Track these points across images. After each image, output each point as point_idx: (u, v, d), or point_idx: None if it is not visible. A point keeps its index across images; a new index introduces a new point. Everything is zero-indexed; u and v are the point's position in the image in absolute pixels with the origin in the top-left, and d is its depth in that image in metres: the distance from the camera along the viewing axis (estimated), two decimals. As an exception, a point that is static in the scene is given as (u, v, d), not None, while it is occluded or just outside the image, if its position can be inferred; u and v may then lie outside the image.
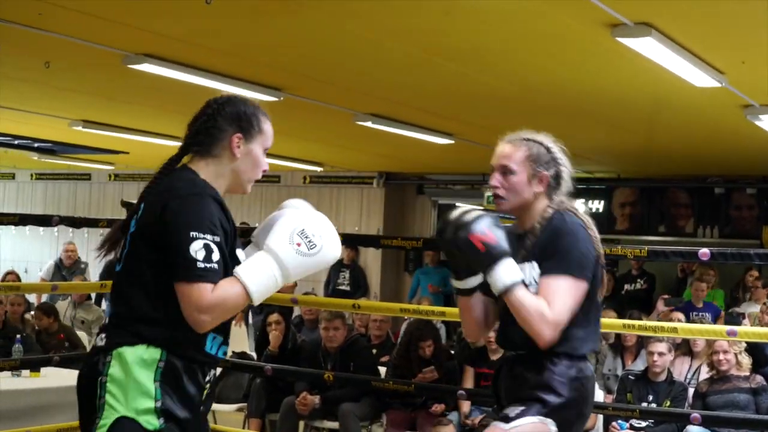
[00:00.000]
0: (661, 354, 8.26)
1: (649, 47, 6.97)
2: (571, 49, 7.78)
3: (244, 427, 8.82)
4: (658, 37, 6.76)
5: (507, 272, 3.84)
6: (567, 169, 4.18)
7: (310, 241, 3.41)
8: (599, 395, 8.25)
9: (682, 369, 9.16)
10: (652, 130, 11.49)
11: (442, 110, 10.78)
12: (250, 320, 12.56)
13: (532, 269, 3.95)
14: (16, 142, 16.02)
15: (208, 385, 3.57)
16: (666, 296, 11.94)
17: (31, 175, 21.57)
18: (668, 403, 8.11)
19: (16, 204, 21.46)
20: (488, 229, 3.88)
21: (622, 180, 16.58)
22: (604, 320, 8.54)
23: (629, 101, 9.68)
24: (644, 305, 12.73)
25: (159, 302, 3.42)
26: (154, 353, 3.37)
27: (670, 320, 9.65)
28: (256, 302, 3.42)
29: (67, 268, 14.49)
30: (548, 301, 3.83)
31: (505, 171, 4.12)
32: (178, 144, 3.79)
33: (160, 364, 3.37)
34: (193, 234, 3.36)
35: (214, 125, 3.67)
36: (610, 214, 16.53)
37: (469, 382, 8.60)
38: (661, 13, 6.50)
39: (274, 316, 9.30)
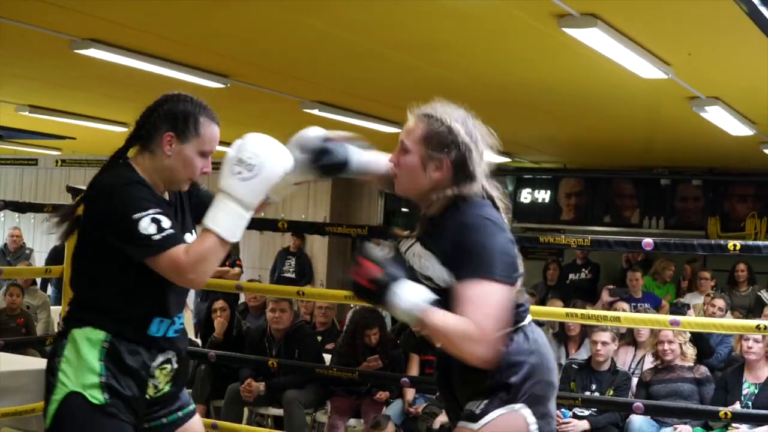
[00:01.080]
0: (604, 343, 8.32)
1: (595, 38, 7.00)
2: (518, 41, 7.81)
3: (188, 414, 8.81)
4: (604, 28, 6.79)
5: (407, 298, 3.31)
6: (477, 154, 3.55)
7: (247, 164, 3.41)
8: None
9: (626, 359, 9.23)
10: (599, 120, 11.57)
11: (391, 100, 10.80)
12: (192, 306, 12.54)
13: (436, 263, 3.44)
14: (-40, 127, 15.89)
15: (166, 368, 3.69)
16: (611, 286, 12.04)
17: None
18: (611, 392, 8.16)
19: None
20: (367, 260, 3.35)
21: (568, 170, 16.71)
22: (547, 309, 8.66)
23: (576, 92, 9.75)
24: (589, 295, 12.84)
25: (100, 289, 3.56)
26: (98, 334, 3.50)
27: (615, 310, 9.75)
28: (235, 239, 3.46)
29: (12, 253, 14.42)
30: (470, 315, 3.27)
31: (403, 148, 3.60)
32: (124, 130, 3.86)
33: (105, 345, 3.50)
34: (135, 216, 3.41)
35: (152, 121, 3.67)
36: (555, 204, 16.67)
37: (414, 370, 8.62)
38: (607, 4, 6.53)
39: (219, 303, 9.31)
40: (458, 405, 3.62)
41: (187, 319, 12.05)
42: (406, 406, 8.52)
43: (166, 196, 3.74)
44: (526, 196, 16.89)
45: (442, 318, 3.28)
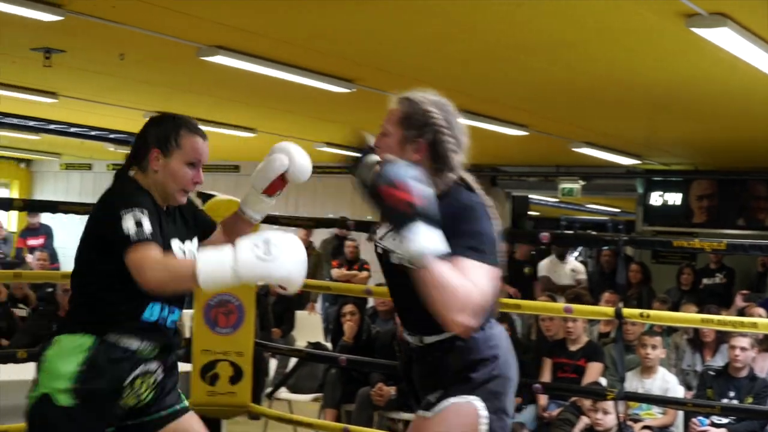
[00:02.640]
0: (743, 349, 8.07)
1: (724, 38, 6.84)
2: (645, 41, 7.67)
3: (319, 417, 8.81)
4: (734, 28, 6.63)
5: (425, 238, 3.12)
6: (451, 137, 3.56)
7: (270, 251, 3.42)
8: (679, 391, 8.11)
9: (764, 365, 8.97)
10: (731, 121, 11.32)
11: (515, 102, 10.71)
12: (320, 311, 12.57)
13: None
14: (92, 133, 16.18)
15: (149, 379, 3.87)
16: (745, 292, 11.75)
17: (108, 166, 21.77)
18: (750, 400, 7.94)
19: (93, 193, 21.62)
20: (409, 181, 3.17)
21: (700, 172, 16.37)
22: (682, 315, 8.48)
23: (706, 92, 9.55)
24: (723, 300, 12.54)
25: (93, 287, 3.78)
26: (87, 341, 3.69)
27: (750, 315, 9.51)
28: (201, 284, 3.45)
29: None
30: (471, 280, 3.19)
31: (382, 132, 3.64)
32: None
33: (90, 351, 3.68)
34: (121, 212, 3.62)
35: (142, 142, 3.97)
36: (687, 206, 16.33)
37: (546, 375, 8.50)
38: (736, 3, 6.37)
39: (349, 307, 9.29)
40: (418, 397, 3.69)
41: (315, 323, 12.11)
42: (540, 412, 8.39)
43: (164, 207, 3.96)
44: (656, 198, 16.59)
45: (447, 271, 3.13)
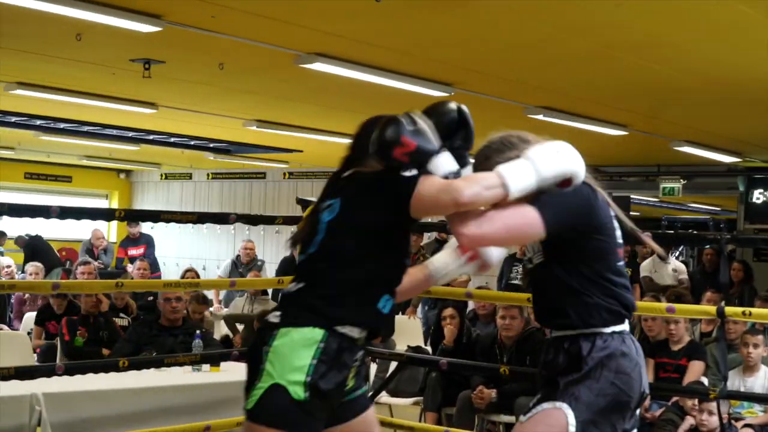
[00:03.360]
0: None
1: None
2: (745, 38, 7.60)
3: (420, 421, 8.83)
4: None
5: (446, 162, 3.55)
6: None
7: (558, 150, 3.52)
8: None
9: None
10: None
11: (615, 102, 10.65)
12: (420, 314, 12.56)
13: None
14: (192, 142, 16.40)
15: (357, 363, 3.87)
16: None
17: (208, 175, 22.02)
18: None
19: (194, 203, 21.95)
20: (410, 137, 3.53)
21: (802, 168, 16.13)
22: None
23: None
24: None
25: (342, 274, 3.75)
26: (317, 334, 3.67)
27: None
28: (511, 186, 3.45)
29: (244, 265, 14.70)
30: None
31: None
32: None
33: (321, 345, 3.66)
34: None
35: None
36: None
37: (649, 375, 8.44)
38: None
39: (449, 311, 9.29)
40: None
41: (415, 327, 12.12)
42: (642, 412, 8.33)
43: None
44: (758, 196, 16.35)
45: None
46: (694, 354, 8.31)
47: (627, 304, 3.59)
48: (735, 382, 7.85)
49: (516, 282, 15.08)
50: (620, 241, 3.66)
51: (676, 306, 7.04)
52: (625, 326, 3.60)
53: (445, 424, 8.69)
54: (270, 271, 15.41)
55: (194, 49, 8.69)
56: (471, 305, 10.80)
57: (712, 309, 6.52)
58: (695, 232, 17.83)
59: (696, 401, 7.53)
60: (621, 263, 3.65)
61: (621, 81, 9.48)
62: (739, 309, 6.72)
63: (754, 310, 7.10)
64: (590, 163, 3.59)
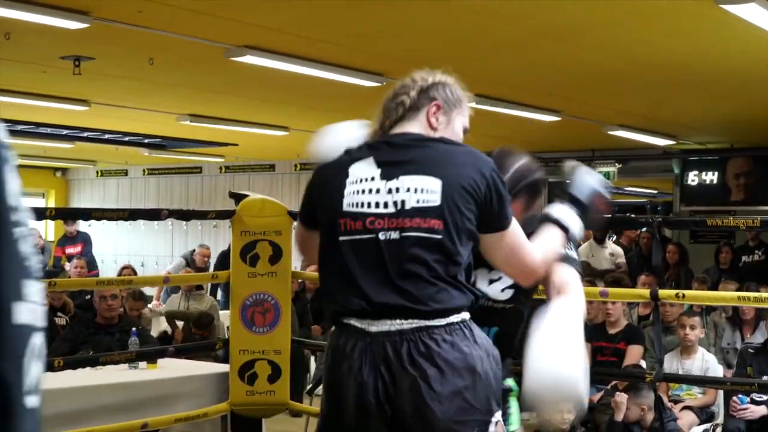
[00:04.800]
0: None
1: (754, 13, 6.82)
2: (675, 21, 7.64)
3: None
4: (762, 3, 6.60)
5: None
6: None
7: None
8: (719, 370, 8.08)
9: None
10: (765, 97, 11.24)
11: (547, 88, 10.69)
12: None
13: None
14: (126, 139, 16.28)
15: None
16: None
17: (144, 171, 21.91)
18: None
19: (131, 199, 21.83)
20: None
21: (736, 150, 16.26)
22: (719, 294, 8.44)
23: (738, 69, 9.49)
24: (763, 277, 12.48)
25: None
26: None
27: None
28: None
29: (199, 268, 14.54)
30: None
31: None
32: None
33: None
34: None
35: None
36: (724, 185, 16.21)
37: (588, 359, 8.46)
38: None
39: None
40: None
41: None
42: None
43: None
44: (693, 178, 16.48)
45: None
46: (632, 338, 8.38)
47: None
48: (673, 364, 7.91)
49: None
50: None
51: (610, 290, 7.08)
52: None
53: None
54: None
55: (123, 44, 8.63)
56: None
57: (646, 292, 6.55)
58: (633, 215, 17.90)
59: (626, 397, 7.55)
60: None
61: (552, 67, 9.51)
62: (673, 291, 6.80)
63: (687, 292, 7.19)
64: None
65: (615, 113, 12.57)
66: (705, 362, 7.97)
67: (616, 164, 16.63)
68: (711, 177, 16.37)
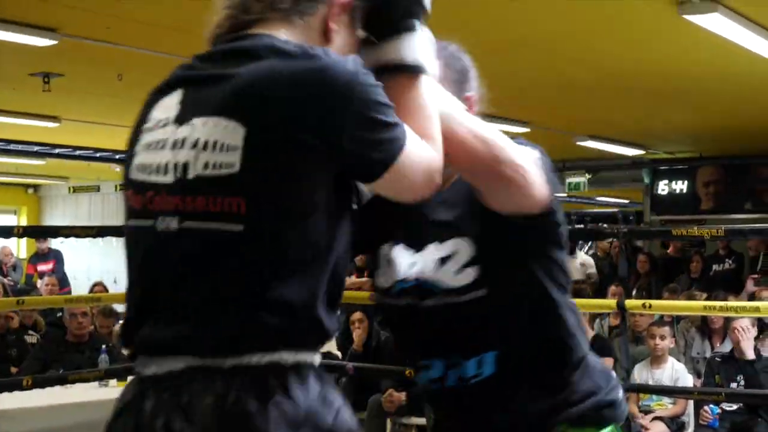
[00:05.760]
0: (744, 329, 7.99)
1: (717, 23, 6.90)
2: (640, 31, 7.71)
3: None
4: (726, 13, 6.69)
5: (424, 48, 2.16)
6: None
7: None
8: (689, 380, 8.11)
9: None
10: (732, 106, 11.32)
11: (518, 100, 10.71)
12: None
13: None
14: (98, 155, 16.24)
15: None
16: (755, 276, 11.73)
17: (116, 187, 21.78)
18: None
19: (102, 216, 21.72)
20: None
21: (705, 159, 16.34)
22: (685, 303, 8.47)
23: (703, 79, 9.56)
24: (733, 285, 12.53)
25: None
26: None
27: (760, 298, 9.47)
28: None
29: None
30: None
31: None
32: None
33: None
34: None
35: None
36: (694, 194, 16.28)
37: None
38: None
39: (357, 315, 9.28)
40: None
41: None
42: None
43: None
44: (663, 188, 16.53)
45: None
46: (600, 350, 8.37)
47: None
48: (643, 374, 7.94)
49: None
50: None
51: (577, 301, 7.10)
52: None
53: (356, 428, 8.70)
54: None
55: (92, 61, 8.63)
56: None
57: (613, 302, 6.59)
58: (605, 225, 17.95)
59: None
60: None
61: (520, 79, 9.54)
62: (640, 301, 6.83)
63: (654, 302, 7.22)
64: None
65: (584, 124, 12.63)
66: (675, 372, 7.98)
67: (587, 174, 16.70)
68: (681, 186, 16.43)
